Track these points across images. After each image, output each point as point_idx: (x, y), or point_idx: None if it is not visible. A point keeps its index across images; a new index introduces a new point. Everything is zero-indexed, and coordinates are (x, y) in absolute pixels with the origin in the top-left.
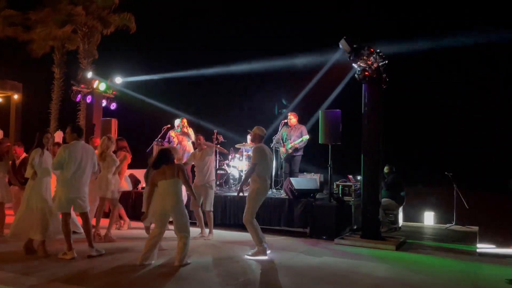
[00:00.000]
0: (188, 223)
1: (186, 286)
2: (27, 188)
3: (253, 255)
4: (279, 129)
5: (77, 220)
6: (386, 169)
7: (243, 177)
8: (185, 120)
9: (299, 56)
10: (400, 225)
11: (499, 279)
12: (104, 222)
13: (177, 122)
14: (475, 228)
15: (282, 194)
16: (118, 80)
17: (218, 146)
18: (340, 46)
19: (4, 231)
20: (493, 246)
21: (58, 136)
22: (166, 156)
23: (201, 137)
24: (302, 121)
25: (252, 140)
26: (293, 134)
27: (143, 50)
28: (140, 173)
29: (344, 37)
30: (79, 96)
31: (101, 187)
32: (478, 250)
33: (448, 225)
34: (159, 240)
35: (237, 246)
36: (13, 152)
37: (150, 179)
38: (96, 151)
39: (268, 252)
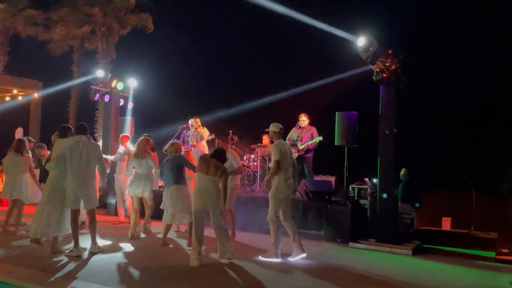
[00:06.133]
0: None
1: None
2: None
3: (265, 256)
4: (291, 130)
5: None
6: (402, 172)
7: (268, 175)
8: (198, 120)
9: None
10: (416, 229)
11: None
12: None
13: (190, 121)
14: (494, 234)
15: (297, 195)
16: (133, 82)
17: (234, 147)
18: (358, 46)
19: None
20: None
21: None
22: (220, 155)
23: (221, 141)
24: (314, 123)
25: (271, 139)
26: (304, 136)
27: (161, 49)
28: None
29: (364, 36)
30: (98, 95)
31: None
32: (496, 257)
33: (466, 230)
34: (202, 237)
35: (254, 247)
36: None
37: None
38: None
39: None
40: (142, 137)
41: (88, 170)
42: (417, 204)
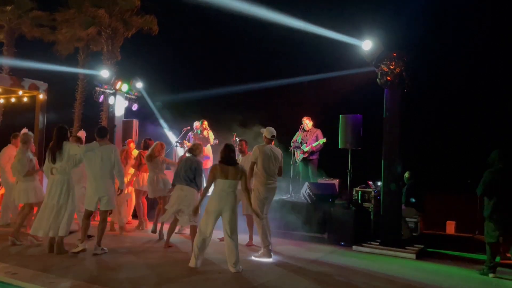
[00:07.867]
0: (237, 225)
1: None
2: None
3: (258, 256)
4: (296, 133)
5: None
6: (406, 175)
7: None
8: (205, 122)
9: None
10: (420, 233)
11: None
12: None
13: (196, 123)
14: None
15: (300, 198)
16: (138, 84)
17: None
18: (363, 49)
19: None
20: None
21: (81, 135)
22: (233, 153)
23: (244, 143)
24: (319, 125)
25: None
26: (308, 138)
27: (166, 51)
28: None
29: (369, 39)
30: (102, 97)
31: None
32: (501, 261)
33: (470, 234)
34: (209, 241)
35: (258, 249)
36: None
37: (210, 174)
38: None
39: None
40: (157, 142)
41: (107, 172)
42: (412, 199)
